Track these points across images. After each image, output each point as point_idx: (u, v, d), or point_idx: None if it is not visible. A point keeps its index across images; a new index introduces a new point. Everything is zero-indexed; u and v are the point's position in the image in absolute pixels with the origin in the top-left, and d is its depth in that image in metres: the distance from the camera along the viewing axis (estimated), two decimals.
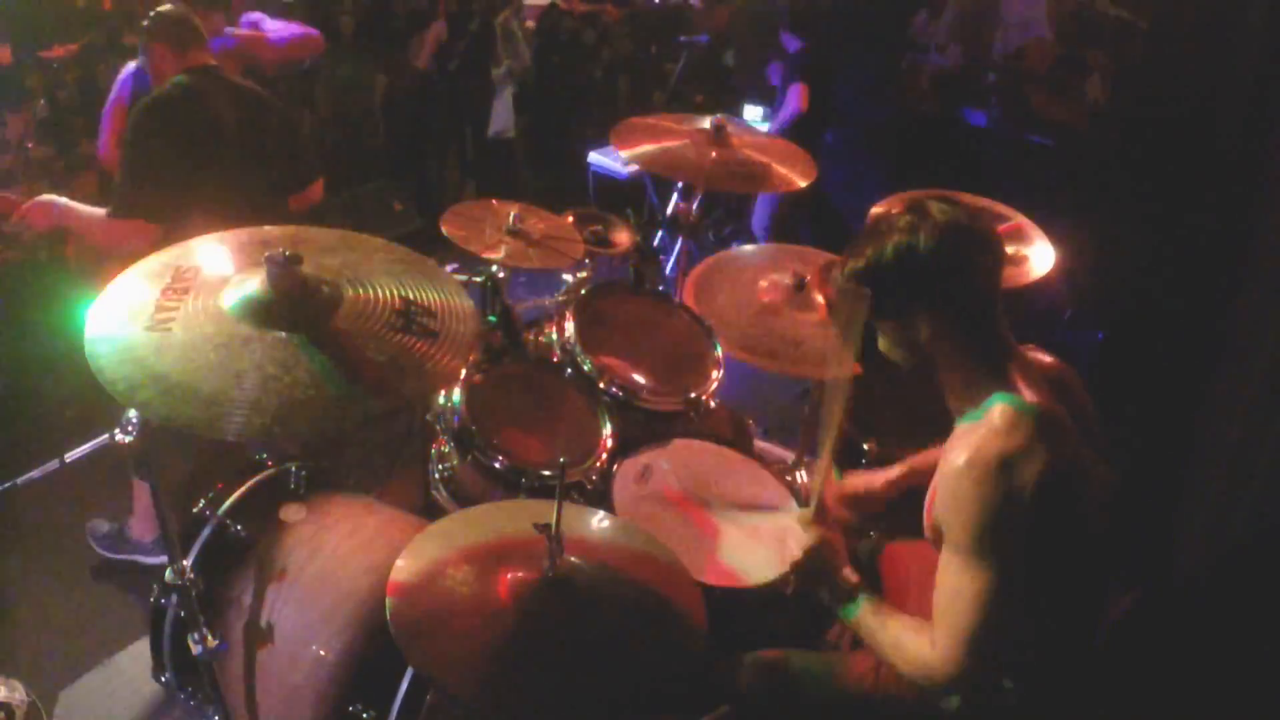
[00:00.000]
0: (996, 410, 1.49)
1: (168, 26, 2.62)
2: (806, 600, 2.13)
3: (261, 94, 2.77)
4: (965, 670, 1.49)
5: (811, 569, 1.74)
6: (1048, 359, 1.72)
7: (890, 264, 1.56)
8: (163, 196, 2.49)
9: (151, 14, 2.63)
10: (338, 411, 1.41)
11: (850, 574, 1.72)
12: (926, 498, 1.66)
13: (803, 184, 2.80)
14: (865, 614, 1.66)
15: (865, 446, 2.45)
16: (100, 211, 2.52)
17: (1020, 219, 2.79)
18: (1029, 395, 1.51)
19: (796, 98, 4.63)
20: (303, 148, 2.86)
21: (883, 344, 1.68)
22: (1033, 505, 1.44)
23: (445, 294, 1.68)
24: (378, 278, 1.65)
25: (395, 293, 1.63)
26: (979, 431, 1.48)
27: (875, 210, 2.82)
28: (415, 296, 1.64)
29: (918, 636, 1.57)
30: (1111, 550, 1.69)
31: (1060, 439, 1.48)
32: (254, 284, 1.54)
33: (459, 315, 1.64)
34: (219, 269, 1.62)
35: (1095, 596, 1.72)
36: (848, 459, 2.53)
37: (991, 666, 1.54)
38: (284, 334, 1.48)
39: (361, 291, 1.61)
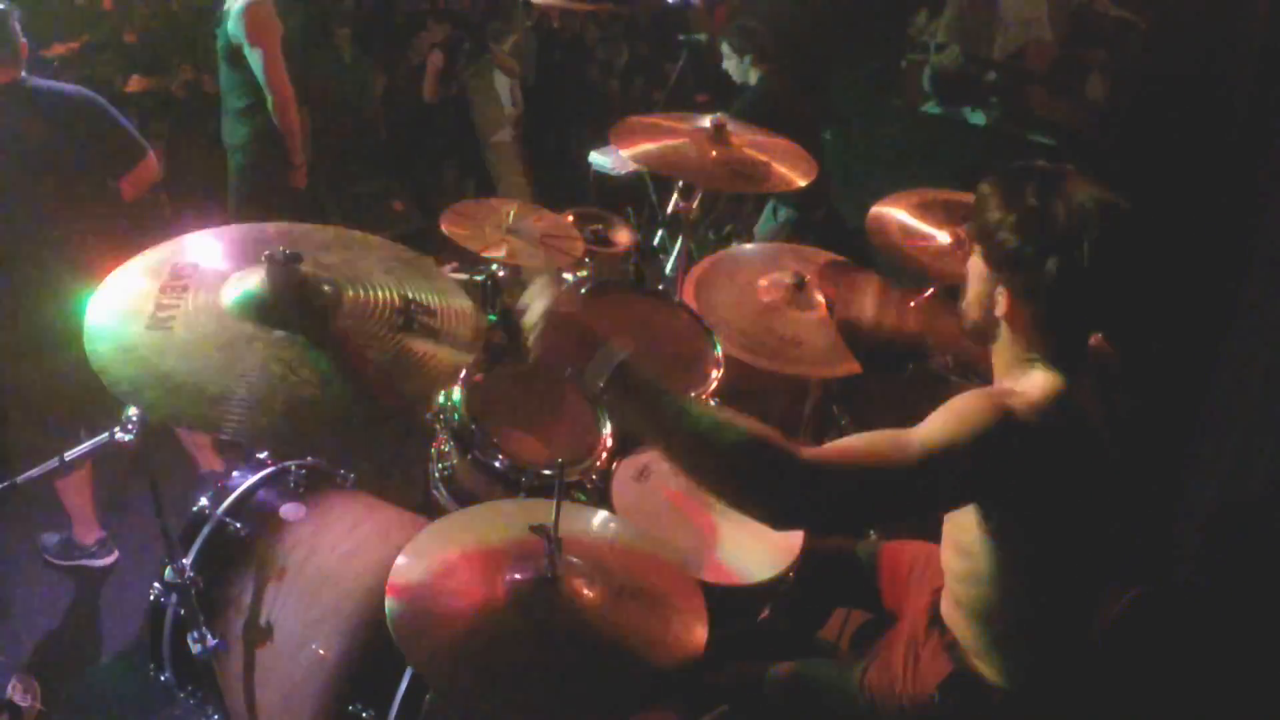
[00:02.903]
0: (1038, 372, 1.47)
1: None
2: (805, 600, 2.14)
3: (63, 92, 2.75)
4: (818, 486, 1.33)
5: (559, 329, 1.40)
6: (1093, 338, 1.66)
7: (1018, 247, 1.43)
8: None
9: None
10: (342, 411, 1.40)
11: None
12: None
13: (802, 183, 2.79)
14: (656, 389, 1.36)
15: None
16: None
17: None
18: (1068, 384, 1.48)
19: None
20: (117, 130, 2.82)
21: (969, 273, 1.56)
22: (1008, 473, 1.40)
23: (443, 293, 1.68)
24: (377, 276, 1.65)
25: (395, 291, 1.63)
26: (1008, 390, 1.46)
27: (876, 210, 2.83)
28: (415, 295, 1.64)
29: (767, 431, 1.35)
30: (1111, 551, 1.68)
31: (1086, 437, 1.47)
32: (254, 282, 1.53)
33: (458, 314, 1.64)
34: (217, 266, 1.61)
35: (1092, 597, 1.71)
36: None
37: (826, 515, 1.39)
38: (286, 334, 1.48)
39: (362, 292, 1.61)
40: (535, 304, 1.43)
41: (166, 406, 1.36)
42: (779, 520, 1.38)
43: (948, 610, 1.71)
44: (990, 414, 1.40)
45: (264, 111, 3.82)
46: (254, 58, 3.70)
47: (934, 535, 2.02)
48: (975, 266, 1.56)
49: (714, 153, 2.79)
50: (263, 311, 1.50)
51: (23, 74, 2.67)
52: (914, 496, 1.43)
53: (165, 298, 1.52)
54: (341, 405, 1.41)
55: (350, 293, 1.59)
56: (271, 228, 1.78)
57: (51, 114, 2.68)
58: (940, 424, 1.41)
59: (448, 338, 1.57)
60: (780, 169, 2.81)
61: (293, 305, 1.50)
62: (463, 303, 1.66)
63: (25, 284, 2.65)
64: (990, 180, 1.53)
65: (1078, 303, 1.47)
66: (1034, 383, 1.47)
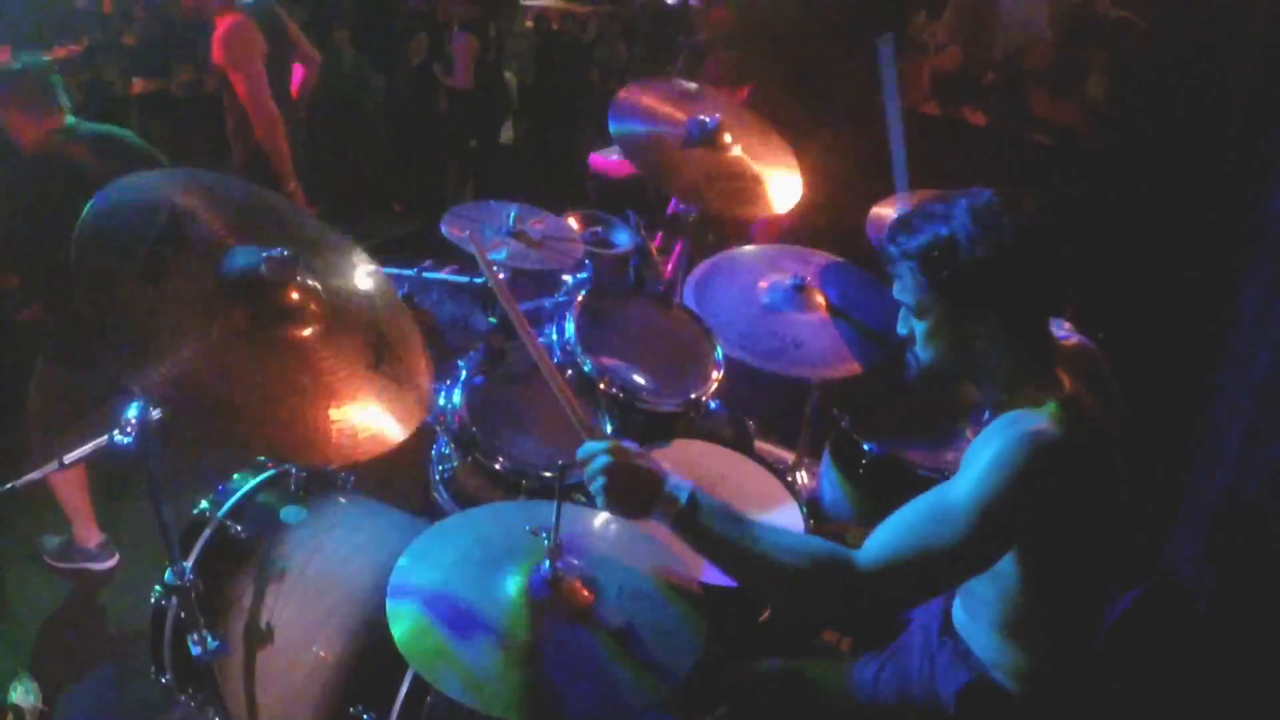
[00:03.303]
0: (1051, 408, 1.46)
1: (13, 94, 2.71)
2: None
3: (113, 133, 2.89)
4: (884, 591, 1.40)
5: (622, 485, 1.50)
6: (1074, 340, 1.68)
7: (969, 260, 1.43)
8: (21, 255, 2.71)
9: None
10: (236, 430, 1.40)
11: (663, 468, 1.51)
12: None
13: (786, 209, 2.73)
14: (708, 506, 1.47)
15: (865, 446, 2.45)
16: None
17: None
18: (1073, 390, 1.50)
19: None
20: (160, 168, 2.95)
21: (927, 346, 1.56)
22: (1052, 496, 1.41)
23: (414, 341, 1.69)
24: (358, 300, 1.66)
25: (373, 320, 1.63)
26: (1032, 416, 1.45)
27: (876, 210, 2.83)
28: (389, 333, 1.64)
29: (820, 545, 1.44)
30: (1119, 552, 1.68)
31: (1100, 438, 1.48)
32: (253, 264, 1.55)
33: (419, 370, 1.65)
34: (213, 226, 1.62)
35: (1101, 600, 1.71)
36: (848, 461, 2.54)
37: (899, 609, 1.46)
38: (261, 337, 1.50)
39: (340, 323, 1.61)
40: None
41: (93, 311, 1.36)
42: (850, 620, 1.47)
43: (961, 621, 1.71)
44: (1027, 450, 1.40)
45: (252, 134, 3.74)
46: (236, 82, 3.63)
47: None
48: (928, 322, 1.54)
49: (703, 157, 2.73)
50: (248, 300, 1.52)
51: (70, 119, 2.77)
52: (973, 560, 1.45)
53: (161, 246, 1.52)
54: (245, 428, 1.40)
55: (333, 314, 1.60)
56: (274, 198, 1.79)
57: (105, 153, 2.78)
58: (978, 478, 1.41)
59: (406, 391, 1.57)
60: (769, 189, 2.76)
61: (276, 308, 1.52)
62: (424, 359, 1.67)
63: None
64: (892, 230, 1.55)
65: (1026, 287, 1.47)
66: (1038, 401, 1.47)
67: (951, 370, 1.58)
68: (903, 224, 1.53)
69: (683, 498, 1.48)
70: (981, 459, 1.43)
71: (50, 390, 2.81)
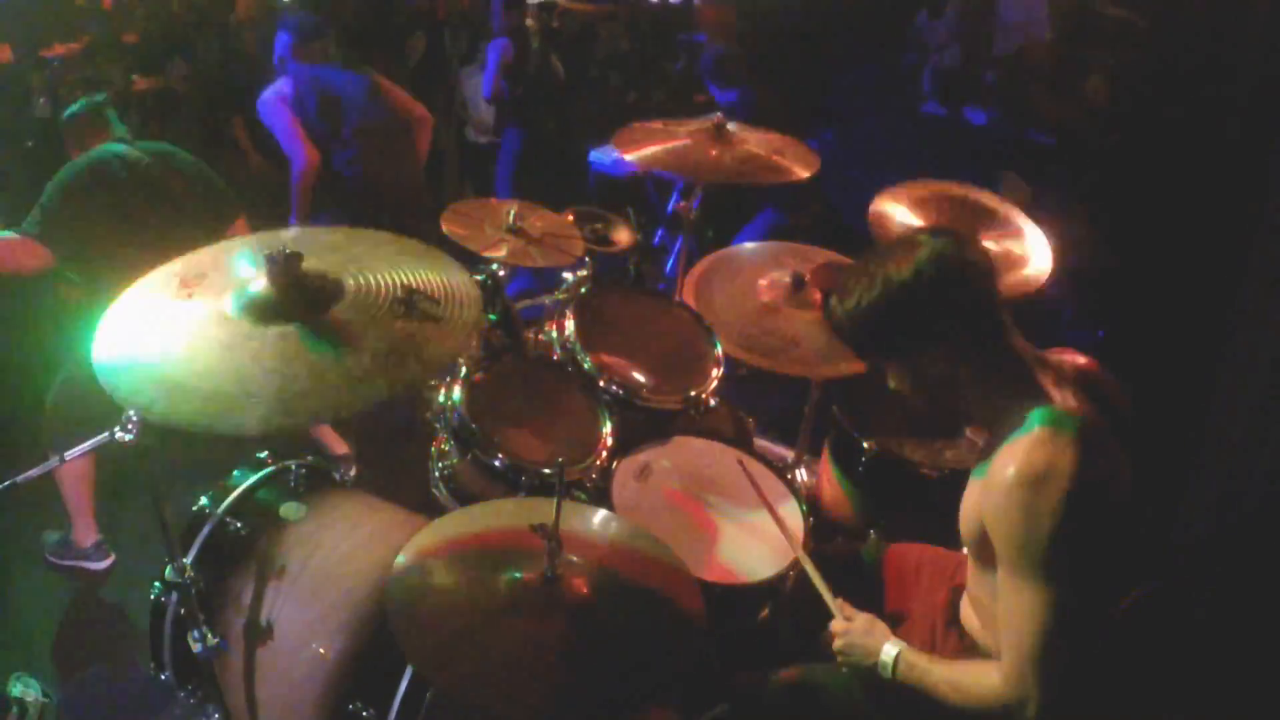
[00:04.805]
0: (1038, 424, 1.46)
1: (73, 130, 2.92)
2: (804, 598, 2.14)
3: (174, 152, 2.99)
4: (1043, 692, 1.46)
5: (853, 655, 1.75)
6: (1080, 360, 1.68)
7: (884, 308, 1.53)
8: (75, 237, 2.71)
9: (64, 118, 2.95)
10: (337, 398, 1.41)
11: (884, 639, 1.72)
12: (961, 507, 1.64)
13: (807, 174, 2.81)
14: (905, 668, 1.66)
15: (865, 445, 2.45)
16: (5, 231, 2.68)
17: (1018, 219, 2.79)
18: (1066, 402, 1.50)
19: None
20: (220, 191, 3.04)
21: (893, 381, 1.64)
22: (1081, 516, 1.42)
23: (450, 277, 1.70)
24: (381, 267, 1.66)
25: (398, 280, 1.64)
26: (1024, 444, 1.46)
27: (874, 209, 2.83)
28: (419, 282, 1.65)
29: (974, 672, 1.57)
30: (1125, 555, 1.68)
31: (1102, 446, 1.48)
32: (256, 283, 1.56)
33: (463, 299, 1.66)
34: (226, 276, 1.63)
35: (1112, 601, 1.72)
36: (847, 459, 2.54)
37: (1070, 683, 1.49)
38: (283, 328, 1.50)
39: (363, 281, 1.62)
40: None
41: (164, 407, 1.38)
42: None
43: (972, 621, 1.71)
44: (1057, 497, 1.42)
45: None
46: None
47: (938, 539, 2.03)
48: (890, 372, 1.64)
49: (715, 151, 2.80)
50: (262, 310, 1.52)
51: (126, 134, 2.88)
52: (1082, 609, 1.47)
53: (174, 306, 1.55)
54: (337, 392, 1.42)
55: (351, 284, 1.60)
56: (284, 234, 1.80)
57: (166, 164, 2.88)
58: (1028, 543, 1.44)
59: (450, 322, 1.59)
60: (784, 161, 2.83)
61: (290, 300, 1.52)
62: (467, 285, 1.68)
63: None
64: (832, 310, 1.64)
65: (955, 318, 1.52)
66: (1039, 435, 1.47)
67: (927, 398, 1.63)
68: (839, 288, 1.62)
69: (890, 664, 1.68)
70: (1013, 513, 1.45)
71: (80, 387, 2.80)
